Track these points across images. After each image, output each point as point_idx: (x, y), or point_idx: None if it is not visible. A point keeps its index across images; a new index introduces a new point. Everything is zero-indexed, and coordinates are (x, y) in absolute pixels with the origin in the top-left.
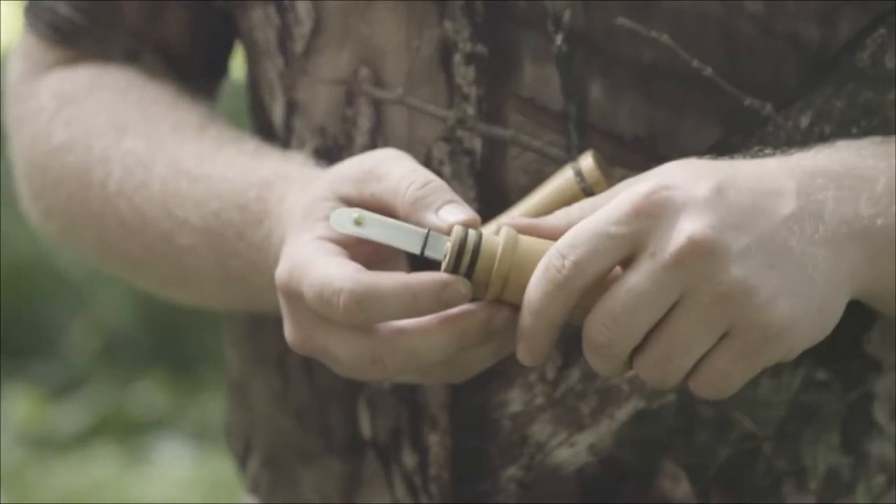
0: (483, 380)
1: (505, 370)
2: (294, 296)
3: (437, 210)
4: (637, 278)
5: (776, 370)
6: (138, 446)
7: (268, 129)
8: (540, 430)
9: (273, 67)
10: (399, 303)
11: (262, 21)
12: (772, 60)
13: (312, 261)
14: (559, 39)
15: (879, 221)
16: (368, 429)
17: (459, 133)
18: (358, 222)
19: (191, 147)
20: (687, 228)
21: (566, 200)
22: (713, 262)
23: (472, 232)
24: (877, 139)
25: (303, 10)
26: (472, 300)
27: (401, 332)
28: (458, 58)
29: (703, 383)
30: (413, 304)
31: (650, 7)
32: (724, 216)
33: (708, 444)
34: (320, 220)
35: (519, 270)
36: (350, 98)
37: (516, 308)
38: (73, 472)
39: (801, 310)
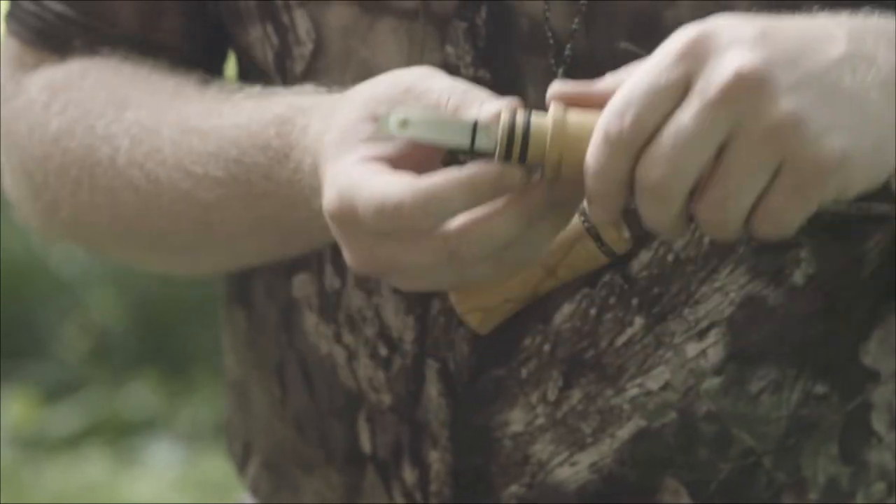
0: (484, 400)
1: (507, 391)
2: (348, 220)
3: (480, 106)
4: (685, 117)
5: (776, 386)
6: (130, 447)
7: None
8: (541, 449)
9: (270, 86)
10: (462, 199)
11: (259, 40)
12: None
13: (362, 182)
14: (560, 74)
15: None
16: (368, 444)
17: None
18: (404, 124)
19: (195, 105)
20: (733, 63)
21: (571, 240)
22: (762, 96)
23: (520, 115)
24: None
25: (303, 30)
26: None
27: (471, 220)
28: None
29: (761, 223)
30: (474, 197)
31: (653, 30)
32: (772, 53)
33: (709, 460)
34: (361, 143)
35: (572, 147)
36: None
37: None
38: (66, 473)
39: (855, 145)
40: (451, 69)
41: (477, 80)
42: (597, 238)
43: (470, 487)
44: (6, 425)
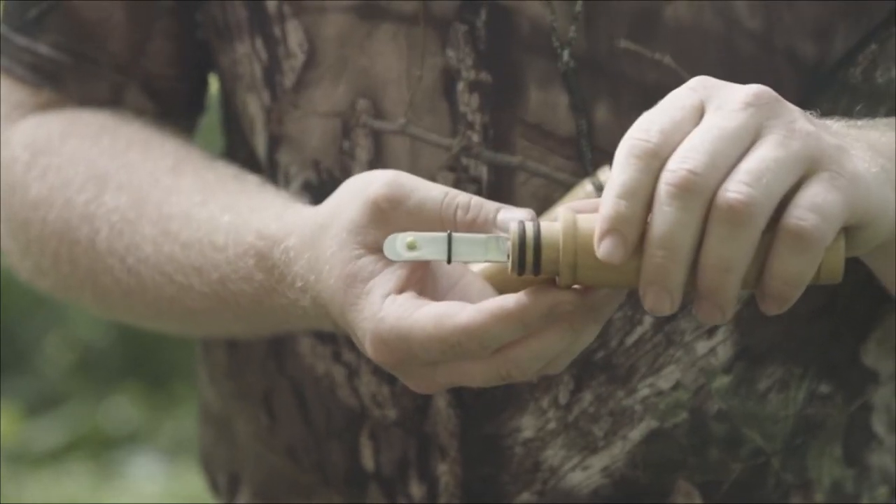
0: (495, 407)
1: (517, 397)
2: (403, 362)
3: (494, 219)
4: (713, 119)
5: (783, 384)
6: (112, 461)
7: (250, 162)
8: (553, 454)
9: (257, 101)
10: (513, 331)
11: (247, 55)
12: (770, 77)
13: (410, 322)
14: (566, 55)
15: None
16: (371, 462)
17: (465, 161)
18: (412, 247)
19: (174, 204)
20: (745, 88)
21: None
22: (780, 106)
23: (528, 225)
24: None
25: (294, 42)
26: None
27: (517, 345)
28: (461, 86)
29: (802, 214)
30: (525, 328)
31: (652, 28)
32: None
33: (720, 460)
34: (371, 280)
35: (585, 251)
36: (347, 130)
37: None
38: (48, 487)
39: (864, 166)
40: (453, 73)
41: (479, 82)
42: None
43: (480, 498)
44: None
